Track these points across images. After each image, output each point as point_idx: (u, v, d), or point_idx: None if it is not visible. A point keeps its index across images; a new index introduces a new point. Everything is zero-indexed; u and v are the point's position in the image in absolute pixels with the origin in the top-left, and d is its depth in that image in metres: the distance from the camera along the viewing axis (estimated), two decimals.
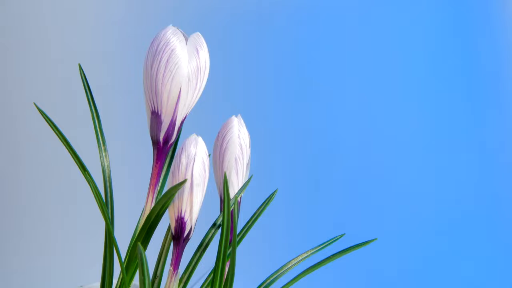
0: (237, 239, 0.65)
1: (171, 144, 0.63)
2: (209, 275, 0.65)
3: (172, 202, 0.60)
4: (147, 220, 0.59)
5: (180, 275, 0.64)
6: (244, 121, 0.65)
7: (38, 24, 1.12)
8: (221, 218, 0.65)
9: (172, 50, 0.60)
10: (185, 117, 0.62)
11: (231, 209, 0.62)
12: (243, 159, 0.65)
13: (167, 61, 0.60)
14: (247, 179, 0.66)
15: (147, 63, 0.61)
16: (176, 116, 0.62)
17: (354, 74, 1.25)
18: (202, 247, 0.65)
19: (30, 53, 1.12)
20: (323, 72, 1.23)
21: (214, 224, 0.66)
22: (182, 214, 0.60)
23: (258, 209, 0.67)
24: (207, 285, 0.65)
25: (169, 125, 0.62)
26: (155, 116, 0.61)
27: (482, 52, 1.30)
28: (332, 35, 1.24)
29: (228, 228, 0.60)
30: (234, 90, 1.19)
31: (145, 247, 0.60)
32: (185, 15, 1.18)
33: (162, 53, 0.60)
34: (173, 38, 0.60)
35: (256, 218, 0.66)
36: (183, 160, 0.60)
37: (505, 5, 1.30)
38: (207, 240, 0.65)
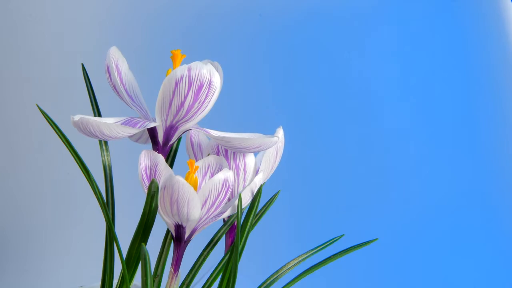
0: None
1: (171, 145, 0.63)
2: (210, 276, 0.65)
3: (165, 211, 0.58)
4: (141, 222, 0.58)
5: (183, 278, 0.64)
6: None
7: (40, 24, 1.12)
8: (234, 216, 0.64)
9: None
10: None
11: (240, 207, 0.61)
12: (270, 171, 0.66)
13: None
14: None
15: None
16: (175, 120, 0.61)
17: (353, 74, 1.25)
18: (208, 249, 0.65)
19: (32, 53, 1.12)
20: (323, 72, 1.23)
21: (225, 223, 0.65)
22: (180, 222, 0.59)
23: (260, 210, 0.67)
24: (209, 286, 0.65)
25: (169, 127, 0.62)
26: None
27: (478, 53, 1.30)
28: (324, 36, 1.24)
29: (249, 230, 0.59)
30: (232, 90, 1.19)
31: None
32: (186, 15, 1.18)
33: None
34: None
35: (258, 219, 0.66)
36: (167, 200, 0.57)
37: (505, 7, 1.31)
38: (213, 241, 0.65)
